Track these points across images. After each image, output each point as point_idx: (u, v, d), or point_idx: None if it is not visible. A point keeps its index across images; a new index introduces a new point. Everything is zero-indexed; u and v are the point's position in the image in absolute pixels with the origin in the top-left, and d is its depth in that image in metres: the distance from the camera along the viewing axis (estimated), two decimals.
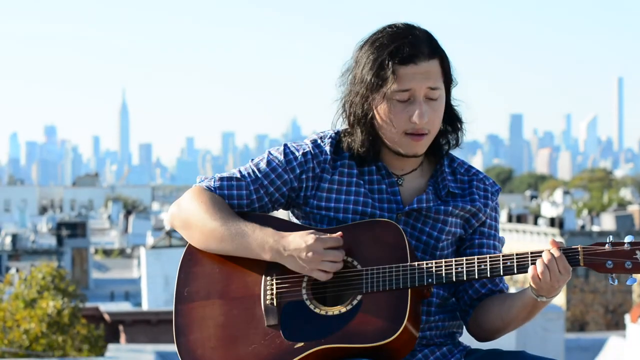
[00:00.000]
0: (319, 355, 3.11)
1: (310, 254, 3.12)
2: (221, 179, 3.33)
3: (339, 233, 3.17)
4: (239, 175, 3.32)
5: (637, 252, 3.04)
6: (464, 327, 3.39)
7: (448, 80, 3.28)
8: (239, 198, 3.30)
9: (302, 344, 3.12)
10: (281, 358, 3.12)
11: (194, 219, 3.27)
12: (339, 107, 3.34)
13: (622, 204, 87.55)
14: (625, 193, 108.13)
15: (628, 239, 3.06)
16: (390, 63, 3.19)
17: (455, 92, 3.34)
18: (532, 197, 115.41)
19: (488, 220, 3.36)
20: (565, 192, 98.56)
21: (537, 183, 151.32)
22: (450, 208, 3.29)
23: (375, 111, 3.24)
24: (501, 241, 3.40)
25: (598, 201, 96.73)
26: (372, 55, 3.22)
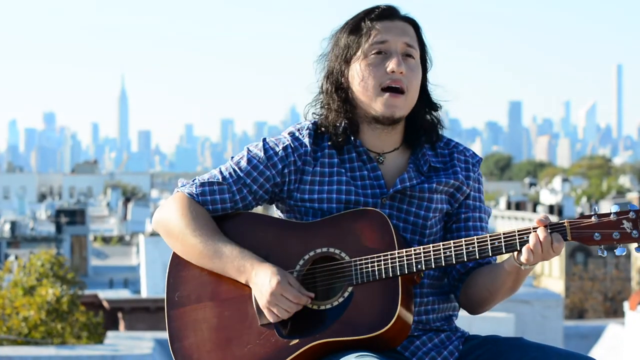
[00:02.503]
0: (315, 351, 3.11)
1: (267, 294, 3.11)
2: (202, 184, 3.30)
3: (312, 294, 3.14)
4: (220, 178, 3.30)
5: (624, 221, 3.02)
6: (457, 302, 3.38)
7: (423, 52, 3.30)
8: (222, 202, 3.29)
9: (297, 340, 3.12)
10: (277, 356, 3.12)
11: (176, 231, 3.27)
12: (318, 92, 3.34)
13: (621, 192, 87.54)
14: (624, 180, 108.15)
15: (614, 208, 3.04)
16: (366, 20, 3.25)
17: (432, 78, 3.35)
18: (531, 184, 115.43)
19: (472, 193, 3.36)
20: (564, 180, 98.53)
21: (536, 170, 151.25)
22: (434, 185, 3.28)
23: (351, 73, 3.26)
24: (487, 212, 3.40)
25: (597, 188, 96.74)
26: (348, 25, 3.29)
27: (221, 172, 3.31)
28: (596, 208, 3.08)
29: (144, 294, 30.53)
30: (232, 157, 3.35)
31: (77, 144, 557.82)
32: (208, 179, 3.31)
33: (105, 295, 27.21)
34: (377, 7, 3.27)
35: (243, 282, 3.19)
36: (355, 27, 3.26)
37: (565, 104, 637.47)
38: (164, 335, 15.06)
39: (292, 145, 3.29)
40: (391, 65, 3.20)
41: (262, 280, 3.13)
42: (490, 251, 3.09)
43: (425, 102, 3.33)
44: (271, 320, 3.14)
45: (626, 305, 21.66)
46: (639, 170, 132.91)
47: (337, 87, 3.28)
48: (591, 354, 17.73)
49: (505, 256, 3.18)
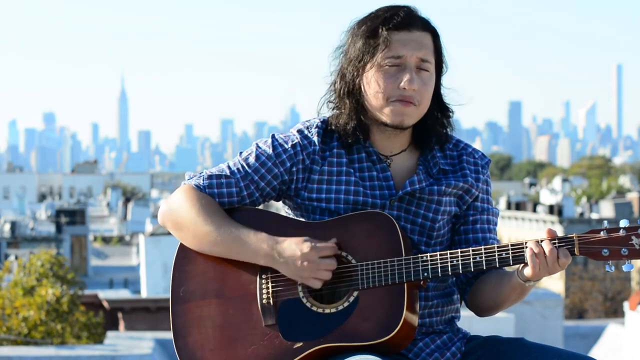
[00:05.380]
0: (319, 355, 3.10)
1: (305, 262, 3.09)
2: (210, 176, 3.27)
3: (334, 240, 3.13)
4: (228, 172, 3.27)
5: (633, 237, 3.00)
6: (464, 303, 3.38)
7: (439, 60, 3.26)
8: (229, 196, 3.26)
9: (301, 343, 3.11)
10: (281, 359, 3.11)
11: (186, 221, 3.24)
12: (330, 84, 3.31)
13: (621, 192, 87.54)
14: (624, 180, 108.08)
15: (623, 223, 3.02)
16: (383, 28, 3.19)
17: (446, 81, 3.31)
18: (531, 184, 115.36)
19: (480, 195, 3.34)
20: (564, 180, 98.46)
21: (536, 170, 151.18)
22: (444, 187, 3.26)
23: (364, 79, 3.22)
24: (495, 213, 3.38)
25: (597, 189, 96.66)
26: (366, 25, 3.23)
27: (229, 167, 3.28)
28: (606, 223, 3.05)
29: (144, 294, 30.47)
30: (241, 153, 3.32)
31: (77, 144, 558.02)
32: (216, 172, 3.29)
33: (105, 295, 27.16)
34: (397, 14, 3.21)
35: (262, 264, 3.16)
36: (372, 33, 3.20)
37: (565, 104, 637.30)
38: (164, 335, 15.06)
39: (301, 144, 3.26)
40: (404, 82, 3.16)
41: (291, 254, 3.11)
42: (497, 262, 3.08)
43: (437, 106, 3.30)
44: (317, 287, 3.11)
45: (626, 305, 21.66)
46: (639, 171, 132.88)
47: (349, 91, 3.25)
48: (591, 354, 17.72)
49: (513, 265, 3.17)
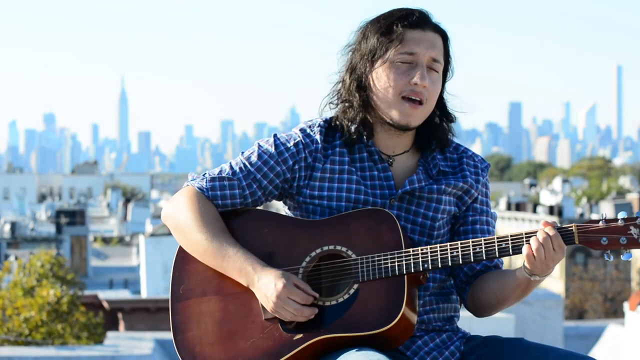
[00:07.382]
0: (319, 346, 3.12)
1: (274, 297, 3.12)
2: (213, 179, 3.30)
3: (315, 294, 3.14)
4: (230, 172, 3.30)
5: (631, 227, 3.04)
6: (462, 304, 3.40)
7: (446, 65, 3.31)
8: (232, 197, 3.30)
9: (301, 335, 3.13)
10: (281, 350, 3.13)
11: (184, 226, 3.27)
12: (335, 83, 3.34)
13: (621, 192, 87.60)
14: (624, 181, 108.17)
15: (621, 215, 3.06)
16: (398, 25, 3.24)
17: (449, 87, 3.36)
18: (531, 185, 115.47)
19: (480, 197, 3.38)
20: (564, 181, 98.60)
21: (536, 171, 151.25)
22: (443, 186, 3.30)
23: (374, 74, 3.25)
24: (493, 216, 3.41)
25: (597, 189, 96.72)
26: (380, 23, 3.27)
27: (231, 167, 3.32)
28: (605, 214, 3.08)
29: (144, 294, 30.51)
30: (243, 152, 3.35)
31: (77, 144, 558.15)
32: (218, 173, 3.32)
33: (105, 295, 27.19)
34: (412, 13, 3.26)
35: (243, 284, 3.20)
36: (386, 30, 3.24)
37: (565, 105, 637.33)
38: (164, 335, 15.08)
39: (303, 142, 3.30)
40: (416, 78, 3.21)
41: (267, 285, 3.14)
42: (497, 252, 3.11)
43: (441, 111, 3.35)
44: (286, 319, 3.14)
45: (626, 305, 21.66)
46: (639, 171, 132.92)
47: (359, 85, 3.28)
48: (591, 355, 17.72)
49: (515, 264, 3.17)
